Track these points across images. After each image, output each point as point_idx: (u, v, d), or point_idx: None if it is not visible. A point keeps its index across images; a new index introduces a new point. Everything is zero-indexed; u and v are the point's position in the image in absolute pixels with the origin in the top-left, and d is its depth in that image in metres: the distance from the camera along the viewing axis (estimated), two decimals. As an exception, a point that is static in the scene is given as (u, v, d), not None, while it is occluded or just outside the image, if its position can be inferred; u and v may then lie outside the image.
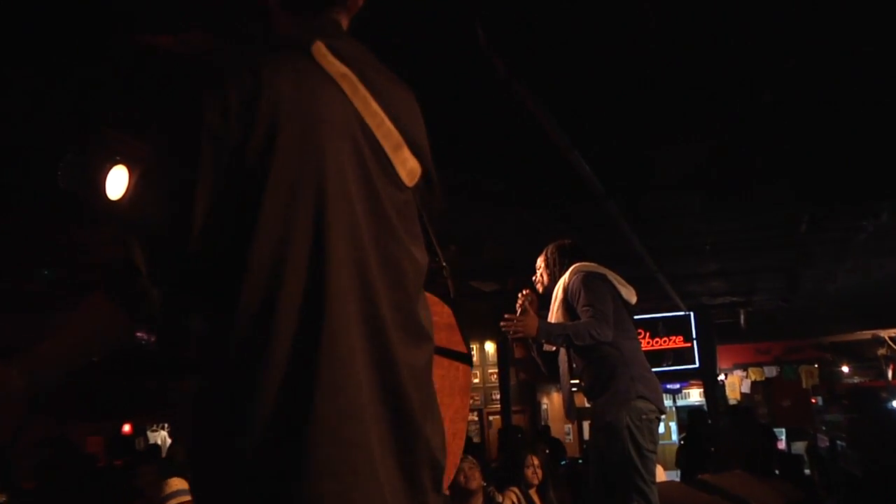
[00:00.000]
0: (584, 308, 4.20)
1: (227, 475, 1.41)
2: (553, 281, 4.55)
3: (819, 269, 12.96)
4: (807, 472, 12.33)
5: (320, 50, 1.63)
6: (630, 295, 4.51)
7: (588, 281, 4.29)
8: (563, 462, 11.01)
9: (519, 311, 4.51)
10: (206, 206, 1.46)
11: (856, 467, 7.30)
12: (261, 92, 1.49)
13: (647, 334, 16.49)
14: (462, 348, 1.89)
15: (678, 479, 9.62)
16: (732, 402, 17.55)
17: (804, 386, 17.81)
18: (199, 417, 1.48)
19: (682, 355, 16.55)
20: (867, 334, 5.33)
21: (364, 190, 1.59)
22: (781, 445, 16.74)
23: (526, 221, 9.29)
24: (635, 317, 13.70)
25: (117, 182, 5.45)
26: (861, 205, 9.44)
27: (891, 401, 5.76)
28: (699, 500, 5.54)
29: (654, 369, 14.67)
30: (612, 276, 4.49)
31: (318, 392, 1.42)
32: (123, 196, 5.45)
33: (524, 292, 4.56)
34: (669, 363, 16.62)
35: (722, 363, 17.67)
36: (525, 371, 15.44)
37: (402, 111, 1.72)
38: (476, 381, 16.05)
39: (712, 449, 11.51)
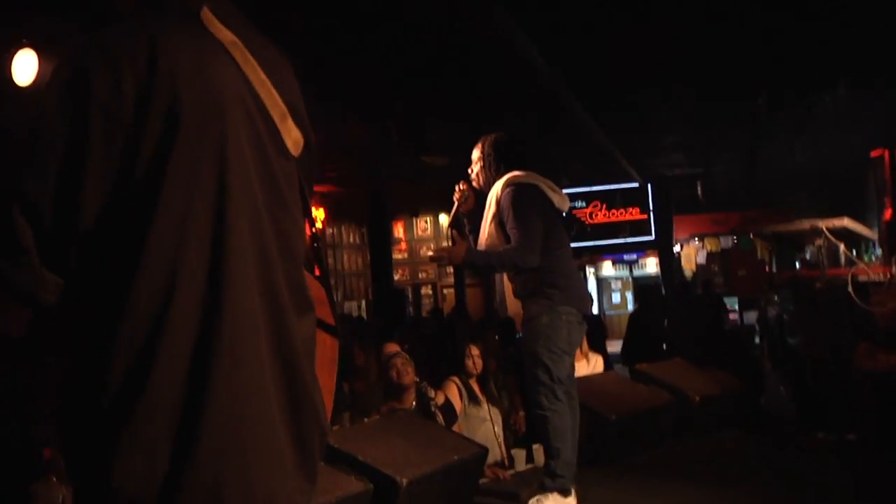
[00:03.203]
0: (512, 230, 4.18)
1: (124, 458, 1.36)
2: (488, 181, 4.41)
3: (777, 142, 12.87)
4: (758, 340, 12.55)
5: (208, 16, 1.58)
6: (563, 202, 4.45)
7: (517, 199, 4.21)
8: (517, 336, 11.05)
9: (455, 204, 4.51)
10: (98, 185, 1.41)
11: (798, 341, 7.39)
12: (157, 65, 1.45)
13: (604, 206, 16.43)
14: (330, 320, 1.79)
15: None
16: (688, 272, 17.70)
17: (759, 255, 17.95)
18: (85, 405, 1.41)
19: (639, 227, 16.55)
20: (805, 224, 5.26)
21: (259, 160, 1.56)
22: (735, 316, 17.05)
23: (473, 96, 9.01)
24: (592, 188, 13.78)
25: (25, 66, 5.11)
26: (818, 78, 9.28)
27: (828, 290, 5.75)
28: (633, 390, 5.54)
29: (610, 241, 14.77)
30: (545, 185, 4.38)
31: (219, 371, 1.41)
32: (34, 82, 5.11)
33: (461, 187, 4.48)
34: (626, 234, 16.65)
35: (678, 234, 17.74)
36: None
37: (284, 80, 1.69)
38: (430, 254, 15.99)
39: (665, 322, 11.59)
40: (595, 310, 13.76)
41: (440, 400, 5.09)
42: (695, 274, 18.03)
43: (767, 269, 17.44)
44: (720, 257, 18.05)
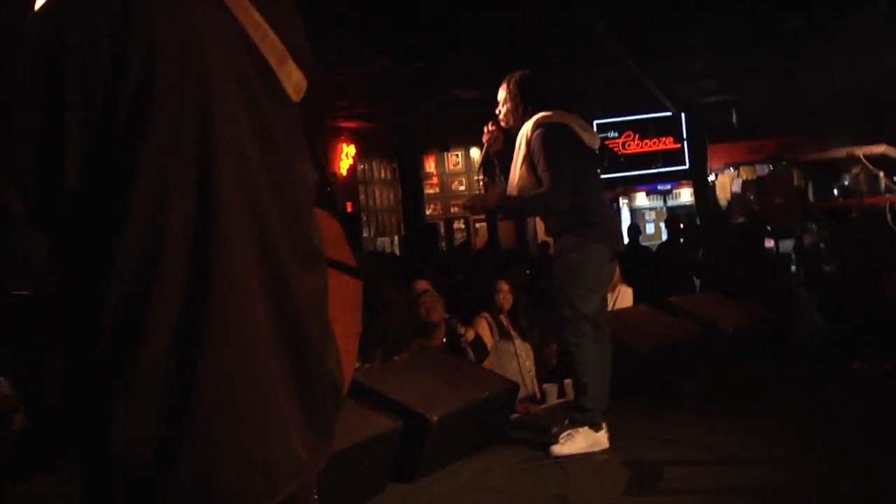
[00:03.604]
0: (544, 172, 4.12)
1: (119, 423, 1.35)
2: (517, 121, 4.33)
3: (814, 64, 12.55)
4: (794, 269, 12.42)
5: None
6: (593, 140, 4.37)
7: (548, 141, 4.14)
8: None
9: (485, 146, 4.47)
10: (80, 145, 1.37)
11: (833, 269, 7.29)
12: (131, 12, 1.38)
13: (637, 136, 16.21)
14: (351, 261, 1.75)
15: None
16: (723, 201, 17.47)
17: (796, 183, 17.63)
18: (81, 369, 1.41)
19: (673, 156, 16.32)
20: (842, 152, 5.12)
21: (250, 111, 1.49)
22: (770, 243, 16.84)
23: (503, 25, 8.85)
24: (625, 118, 13.62)
25: None
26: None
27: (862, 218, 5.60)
28: (665, 323, 5.51)
29: (643, 171, 14.51)
30: (576, 123, 4.30)
31: (212, 333, 1.38)
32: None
33: (490, 128, 4.42)
34: (659, 164, 16.44)
35: (713, 162, 17.48)
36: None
37: (283, 19, 1.59)
38: (462, 188, 15.96)
39: (700, 252, 11.48)
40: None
41: (470, 336, 5.09)
42: (730, 203, 17.82)
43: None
44: (756, 185, 17.79)
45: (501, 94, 4.44)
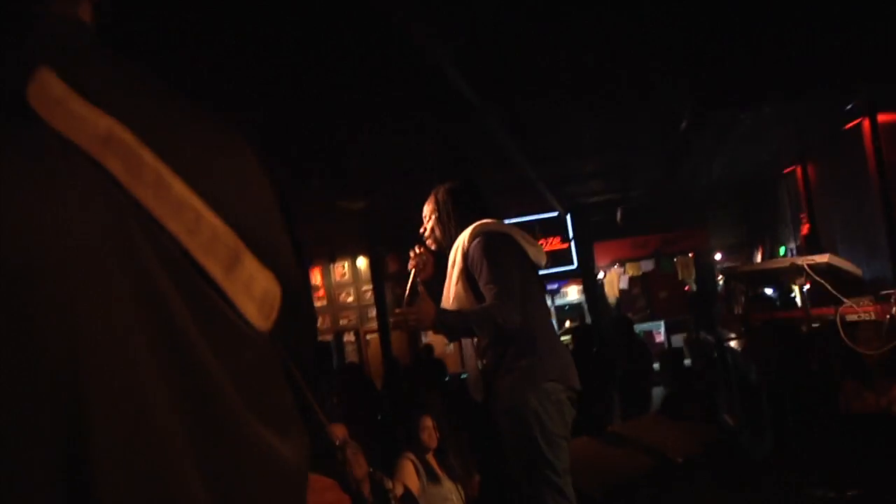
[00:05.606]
0: (487, 286, 3.48)
1: None
2: (448, 235, 3.77)
3: (695, 162, 12.73)
4: (687, 362, 12.27)
5: (49, 91, 0.82)
6: (539, 256, 3.83)
7: (490, 251, 3.55)
8: (446, 379, 10.48)
9: (412, 273, 3.85)
10: None
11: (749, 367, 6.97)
12: None
13: (525, 237, 16.10)
14: None
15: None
16: (612, 298, 17.49)
17: (680, 277, 17.99)
18: None
19: (561, 256, 16.25)
20: (785, 262, 4.93)
21: (169, 374, 0.82)
22: (661, 338, 16.89)
23: (390, 132, 8.44)
24: (512, 220, 13.29)
25: None
26: (745, 99, 9.04)
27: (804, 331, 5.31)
28: (610, 456, 5.01)
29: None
30: (520, 236, 3.78)
31: None
32: None
33: (417, 251, 3.84)
34: (548, 265, 16.30)
35: (600, 260, 17.52)
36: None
37: (235, 185, 0.94)
38: (350, 299, 15.33)
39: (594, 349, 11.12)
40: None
41: (399, 491, 4.45)
42: (618, 300, 17.81)
43: (687, 288, 17.56)
44: (641, 281, 17.92)
45: (427, 209, 3.91)
